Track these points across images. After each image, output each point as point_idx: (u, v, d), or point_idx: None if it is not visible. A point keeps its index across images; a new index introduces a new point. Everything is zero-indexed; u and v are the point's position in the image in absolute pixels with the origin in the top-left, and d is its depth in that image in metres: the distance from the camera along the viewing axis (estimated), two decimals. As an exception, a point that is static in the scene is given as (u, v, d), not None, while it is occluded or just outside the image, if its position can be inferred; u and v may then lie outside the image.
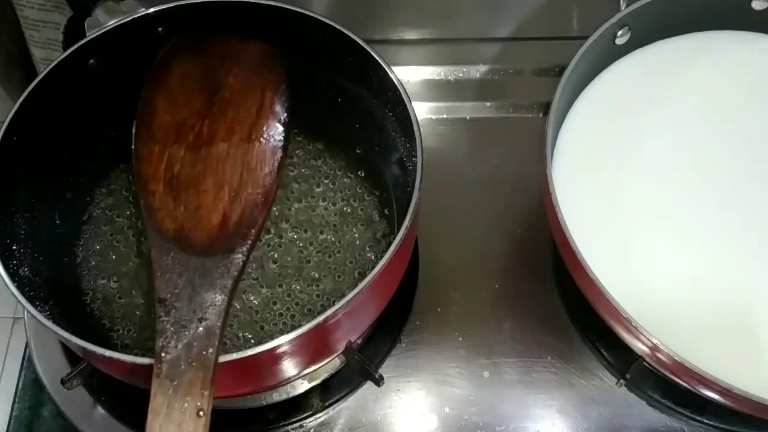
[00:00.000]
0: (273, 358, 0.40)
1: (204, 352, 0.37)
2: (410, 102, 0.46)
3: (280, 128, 0.46)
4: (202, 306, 0.38)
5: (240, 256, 0.41)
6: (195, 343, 0.37)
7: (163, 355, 0.37)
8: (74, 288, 0.51)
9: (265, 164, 0.44)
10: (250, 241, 0.42)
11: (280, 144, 0.46)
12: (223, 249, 0.41)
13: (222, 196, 0.43)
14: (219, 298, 0.39)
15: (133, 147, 0.46)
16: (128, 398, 0.51)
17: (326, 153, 0.56)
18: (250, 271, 0.51)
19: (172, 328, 0.37)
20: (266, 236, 0.52)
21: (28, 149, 0.46)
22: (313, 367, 0.47)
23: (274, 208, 0.53)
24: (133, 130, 0.47)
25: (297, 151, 0.56)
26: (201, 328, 0.38)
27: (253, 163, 0.44)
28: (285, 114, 0.47)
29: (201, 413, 0.36)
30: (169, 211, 0.42)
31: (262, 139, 0.45)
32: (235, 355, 0.38)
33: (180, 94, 0.47)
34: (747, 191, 0.51)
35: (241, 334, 0.50)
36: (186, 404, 0.35)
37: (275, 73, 0.48)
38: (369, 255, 0.53)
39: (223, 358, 0.38)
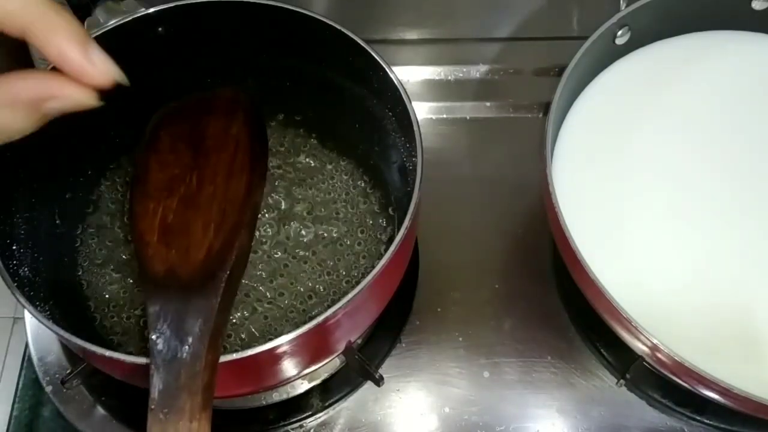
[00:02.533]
0: (273, 358, 0.40)
1: (192, 379, 0.37)
2: (410, 102, 0.45)
3: (256, 156, 0.48)
4: (189, 333, 0.39)
5: (222, 274, 0.42)
6: (182, 371, 0.38)
7: (154, 388, 0.37)
8: (74, 288, 0.51)
9: (242, 193, 0.46)
10: (231, 262, 0.43)
11: (257, 170, 0.48)
12: (205, 275, 0.42)
13: (209, 233, 0.44)
14: (204, 323, 0.40)
15: (129, 206, 0.49)
16: (128, 398, 0.51)
17: (326, 153, 0.56)
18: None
19: (162, 363, 0.38)
20: (265, 236, 0.52)
21: (27, 149, 0.46)
22: (313, 367, 0.47)
23: (280, 210, 0.54)
24: (129, 191, 0.49)
25: (296, 153, 0.56)
26: (187, 356, 0.38)
27: (233, 195, 0.46)
28: (259, 143, 0.50)
29: None
30: (161, 256, 0.44)
31: (241, 172, 0.47)
32: (235, 355, 0.38)
33: (170, 155, 0.49)
34: (747, 191, 0.51)
35: (242, 335, 0.50)
36: (179, 430, 0.36)
37: (246, 112, 0.50)
38: (368, 255, 0.53)
39: (223, 358, 0.38)
